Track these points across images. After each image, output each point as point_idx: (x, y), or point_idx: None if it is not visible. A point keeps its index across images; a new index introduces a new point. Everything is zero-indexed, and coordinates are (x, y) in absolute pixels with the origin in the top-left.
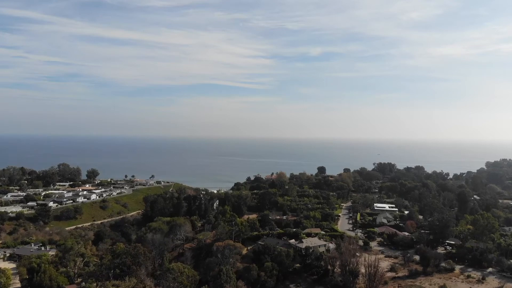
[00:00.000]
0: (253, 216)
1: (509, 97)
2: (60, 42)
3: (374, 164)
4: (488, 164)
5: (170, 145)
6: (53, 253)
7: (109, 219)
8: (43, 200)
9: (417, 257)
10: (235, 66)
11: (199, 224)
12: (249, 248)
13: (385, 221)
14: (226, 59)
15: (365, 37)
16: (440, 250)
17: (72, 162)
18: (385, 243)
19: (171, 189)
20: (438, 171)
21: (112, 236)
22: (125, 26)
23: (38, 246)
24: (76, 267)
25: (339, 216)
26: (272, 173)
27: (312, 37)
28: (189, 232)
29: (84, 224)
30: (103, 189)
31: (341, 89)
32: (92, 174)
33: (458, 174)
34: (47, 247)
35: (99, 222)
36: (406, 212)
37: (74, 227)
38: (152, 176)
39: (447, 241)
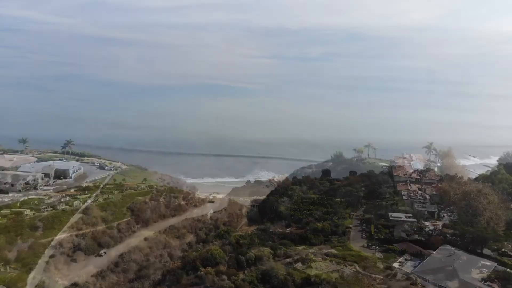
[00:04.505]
0: (252, 228)
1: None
2: (61, 42)
3: (382, 167)
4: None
5: (169, 144)
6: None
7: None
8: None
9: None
10: (235, 66)
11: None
12: (245, 272)
13: (404, 234)
14: (226, 59)
15: (365, 37)
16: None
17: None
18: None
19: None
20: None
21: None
22: (125, 26)
23: None
24: None
25: (351, 228)
26: (274, 176)
27: (312, 37)
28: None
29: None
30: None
31: (341, 89)
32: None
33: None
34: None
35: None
36: (426, 223)
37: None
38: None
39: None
